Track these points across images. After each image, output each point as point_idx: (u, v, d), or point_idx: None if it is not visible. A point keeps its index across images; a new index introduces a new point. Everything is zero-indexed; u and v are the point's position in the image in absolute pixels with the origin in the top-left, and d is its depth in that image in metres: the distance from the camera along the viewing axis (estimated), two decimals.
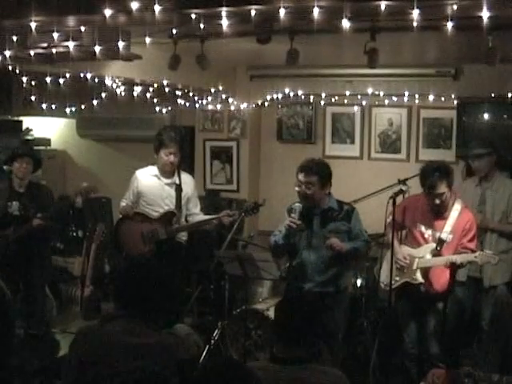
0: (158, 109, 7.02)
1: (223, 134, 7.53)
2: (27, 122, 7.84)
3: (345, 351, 5.16)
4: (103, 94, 6.04)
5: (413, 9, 3.10)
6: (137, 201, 5.63)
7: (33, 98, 6.03)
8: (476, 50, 4.64)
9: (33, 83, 5.53)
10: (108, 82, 5.83)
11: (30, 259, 5.68)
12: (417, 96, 6.52)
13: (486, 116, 6.29)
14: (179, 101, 6.86)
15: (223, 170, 7.61)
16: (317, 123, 7.26)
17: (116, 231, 5.66)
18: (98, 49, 3.93)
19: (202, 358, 4.97)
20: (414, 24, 3.24)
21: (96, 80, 5.69)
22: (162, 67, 5.03)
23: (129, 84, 6.15)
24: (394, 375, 5.22)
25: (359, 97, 6.79)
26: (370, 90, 6.65)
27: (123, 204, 5.67)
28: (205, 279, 6.20)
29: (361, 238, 4.69)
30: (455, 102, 6.37)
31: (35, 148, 7.55)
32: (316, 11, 3.13)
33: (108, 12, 3.29)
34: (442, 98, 6.38)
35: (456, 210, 4.76)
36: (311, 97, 7.01)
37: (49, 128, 8.33)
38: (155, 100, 6.71)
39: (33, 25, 3.48)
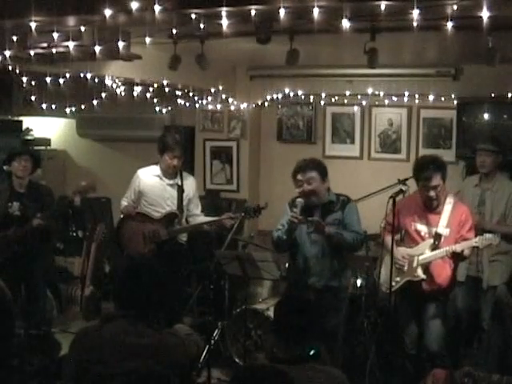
0: (158, 109, 7.02)
1: (223, 134, 7.53)
2: (27, 122, 7.84)
3: (345, 351, 5.16)
4: (103, 94, 6.05)
5: (413, 9, 3.10)
6: (138, 200, 5.63)
7: (33, 98, 6.03)
8: (476, 50, 4.64)
9: (33, 83, 5.53)
10: (108, 82, 5.83)
11: (30, 259, 5.68)
12: (417, 96, 6.52)
13: (485, 116, 6.29)
14: (179, 101, 6.87)
15: (223, 170, 7.61)
16: (317, 123, 7.26)
17: (118, 231, 5.67)
18: (98, 49, 3.93)
19: (202, 358, 4.97)
20: (414, 24, 3.24)
21: (96, 80, 5.70)
22: (162, 67, 5.03)
23: (129, 84, 6.15)
24: (394, 375, 5.22)
25: (359, 97, 6.79)
26: (370, 90, 6.65)
27: (124, 203, 5.67)
28: (205, 279, 6.20)
29: (351, 228, 4.69)
30: (455, 102, 6.37)
31: (35, 148, 7.56)
32: (316, 11, 3.13)
33: (108, 12, 3.29)
34: (442, 98, 6.38)
35: (449, 203, 4.76)
36: (311, 97, 7.01)
37: (49, 128, 8.33)
38: (155, 100, 6.72)
39: (33, 25, 3.48)
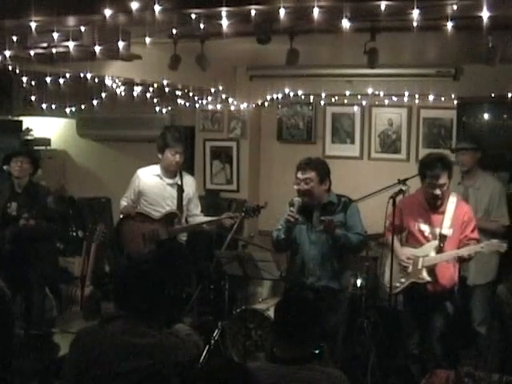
0: (158, 109, 7.02)
1: (223, 134, 7.53)
2: (27, 122, 7.84)
3: (345, 351, 5.16)
4: (103, 94, 6.04)
5: (413, 9, 3.10)
6: (137, 200, 5.63)
7: (33, 98, 6.03)
8: (476, 50, 4.64)
9: (33, 83, 5.53)
10: (108, 81, 5.83)
11: (26, 259, 5.68)
12: (417, 96, 6.52)
13: (485, 116, 6.29)
14: (179, 101, 6.87)
15: (223, 170, 7.61)
16: (317, 123, 7.26)
17: (117, 231, 5.67)
18: (98, 49, 3.93)
19: (202, 357, 4.97)
20: (414, 24, 3.24)
21: (96, 80, 5.69)
22: (162, 67, 5.03)
23: (129, 84, 6.15)
24: (394, 375, 5.22)
25: (359, 97, 6.79)
26: (370, 90, 6.65)
27: (124, 203, 5.67)
28: (205, 279, 6.19)
29: (355, 230, 4.69)
30: (455, 102, 6.37)
31: (35, 148, 7.57)
32: (316, 11, 3.13)
33: (108, 12, 3.29)
34: (442, 98, 6.38)
35: (452, 202, 4.76)
36: (311, 97, 7.01)
37: (49, 128, 8.33)
38: (155, 100, 6.71)
39: (33, 25, 3.48)
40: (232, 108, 7.26)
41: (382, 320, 5.72)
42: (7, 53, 4.11)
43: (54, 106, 6.32)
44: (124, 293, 3.01)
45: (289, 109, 7.31)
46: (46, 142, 8.17)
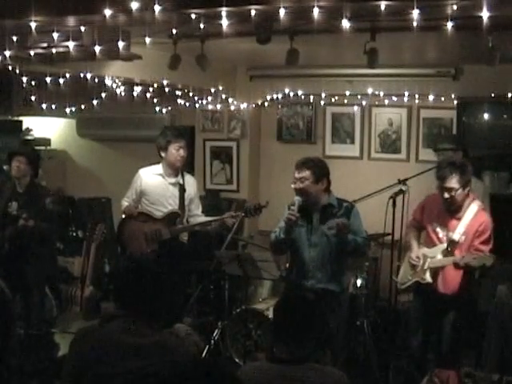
0: (158, 109, 7.02)
1: (223, 134, 7.53)
2: (27, 122, 7.84)
3: (345, 351, 5.16)
4: (103, 94, 6.05)
5: (413, 9, 3.10)
6: (139, 200, 5.63)
7: (33, 98, 6.04)
8: (476, 50, 4.63)
9: (33, 83, 5.53)
10: (108, 81, 5.83)
11: (26, 259, 5.69)
12: (417, 96, 6.52)
13: (485, 116, 6.30)
14: (179, 101, 6.87)
15: (223, 170, 7.61)
16: (317, 123, 7.26)
17: (120, 231, 5.67)
18: (98, 49, 3.93)
19: (202, 358, 4.97)
20: (414, 24, 3.24)
21: (96, 80, 5.70)
22: (162, 67, 5.03)
23: (129, 84, 6.15)
24: (394, 375, 5.22)
25: (359, 97, 6.79)
26: (370, 90, 6.65)
27: (125, 203, 5.67)
28: (205, 279, 6.20)
29: (360, 234, 4.68)
30: (455, 102, 6.37)
31: (35, 148, 7.56)
32: (316, 11, 3.13)
33: (108, 12, 3.30)
34: (442, 98, 6.38)
35: (472, 211, 4.66)
36: (311, 97, 7.01)
37: (49, 128, 8.34)
38: (155, 100, 6.72)
39: (33, 25, 3.48)
40: (232, 108, 7.27)
41: (382, 320, 5.72)
42: (7, 53, 4.11)
43: (54, 106, 6.33)
44: (123, 292, 3.01)
45: (289, 109, 7.31)
46: (46, 142, 8.17)
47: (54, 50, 4.33)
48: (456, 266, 4.61)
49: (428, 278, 4.73)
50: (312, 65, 6.44)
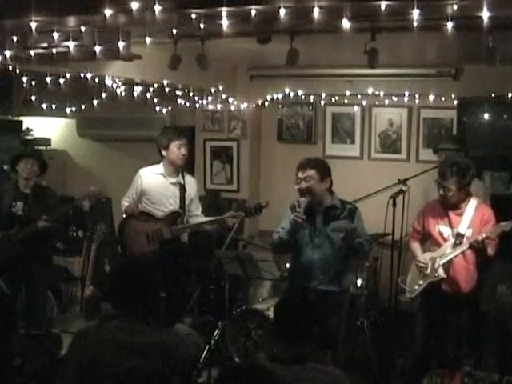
0: (158, 109, 7.02)
1: (223, 134, 7.53)
2: (27, 122, 7.84)
3: (344, 351, 5.16)
4: (103, 94, 6.05)
5: (413, 9, 3.10)
6: (139, 199, 5.63)
7: (33, 98, 6.04)
8: (476, 50, 4.63)
9: (33, 83, 5.53)
10: (108, 81, 5.83)
11: (33, 260, 5.69)
12: (417, 96, 6.52)
13: (486, 116, 6.30)
14: (179, 101, 6.87)
15: (223, 170, 7.61)
16: (317, 123, 7.26)
17: (121, 230, 5.67)
18: (98, 49, 3.93)
19: (202, 358, 4.97)
20: (414, 24, 3.24)
21: (96, 80, 5.70)
22: (162, 67, 5.03)
23: (129, 84, 6.15)
24: (394, 375, 5.23)
25: (359, 97, 6.79)
26: (370, 90, 6.65)
27: (125, 203, 5.67)
28: (205, 279, 6.20)
29: (363, 237, 4.67)
30: (455, 102, 6.37)
31: (35, 148, 7.55)
32: (316, 11, 3.13)
33: (108, 12, 3.30)
34: (442, 98, 6.38)
35: (472, 204, 4.70)
36: (311, 97, 7.01)
37: (49, 128, 8.34)
38: (155, 100, 6.72)
39: (33, 25, 3.48)
40: (232, 108, 7.26)
41: (382, 320, 5.72)
42: (7, 53, 4.11)
43: (54, 106, 6.33)
44: (123, 292, 3.01)
45: (289, 109, 7.31)
46: (46, 142, 8.17)
47: (54, 50, 4.33)
48: (475, 250, 4.59)
49: (441, 273, 4.68)
50: (312, 65, 6.44)
